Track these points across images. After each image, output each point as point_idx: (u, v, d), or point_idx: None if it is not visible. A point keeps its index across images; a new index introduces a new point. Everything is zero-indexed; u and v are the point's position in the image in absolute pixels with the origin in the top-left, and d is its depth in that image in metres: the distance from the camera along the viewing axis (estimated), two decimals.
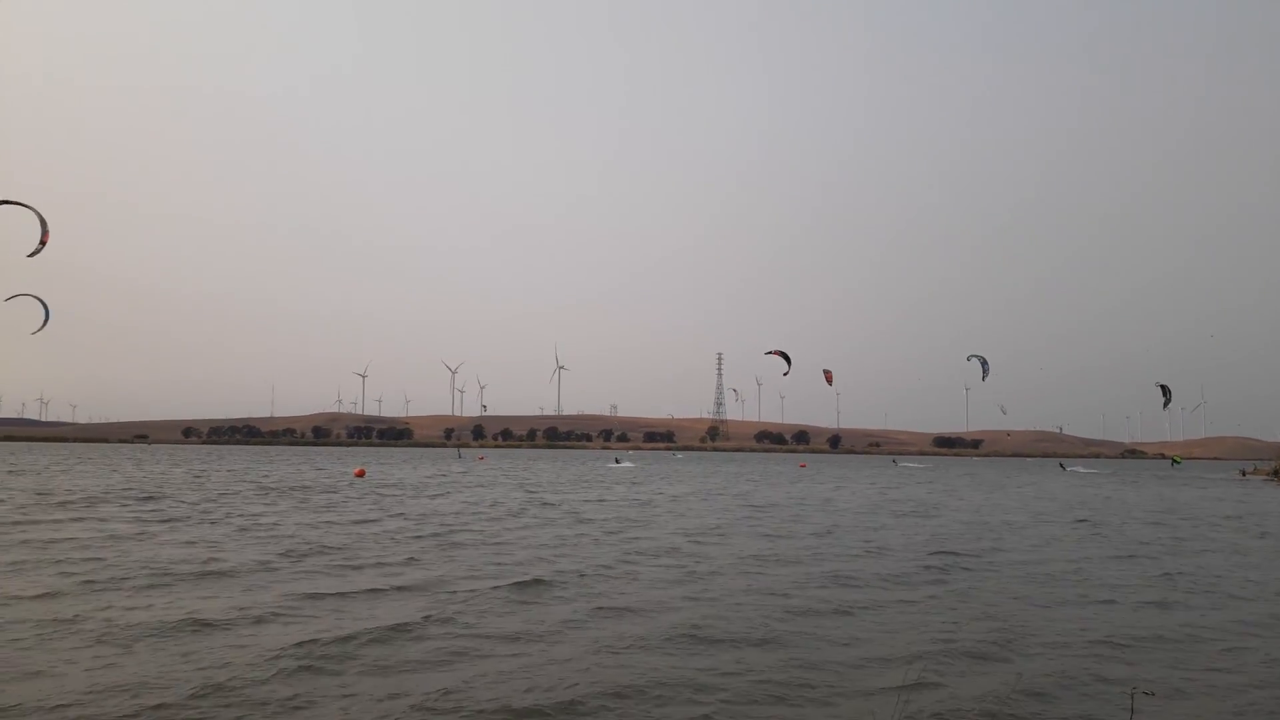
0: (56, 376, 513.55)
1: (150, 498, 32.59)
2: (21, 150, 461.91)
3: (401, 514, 26.37)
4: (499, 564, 15.79)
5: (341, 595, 12.28)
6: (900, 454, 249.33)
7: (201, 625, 10.07)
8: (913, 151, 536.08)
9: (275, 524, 22.56)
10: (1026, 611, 12.17)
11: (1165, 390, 54.14)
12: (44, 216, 28.80)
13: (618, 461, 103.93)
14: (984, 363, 52.80)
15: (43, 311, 35.06)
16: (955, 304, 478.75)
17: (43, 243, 29.50)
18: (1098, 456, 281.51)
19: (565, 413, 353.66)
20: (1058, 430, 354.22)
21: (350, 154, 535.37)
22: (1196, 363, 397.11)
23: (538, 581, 13.66)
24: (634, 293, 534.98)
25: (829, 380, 62.57)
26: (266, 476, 52.54)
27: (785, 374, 54.09)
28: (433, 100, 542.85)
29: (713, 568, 15.63)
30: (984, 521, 27.50)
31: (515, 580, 13.73)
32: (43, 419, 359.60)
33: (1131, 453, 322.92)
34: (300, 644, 9.18)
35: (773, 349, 53.08)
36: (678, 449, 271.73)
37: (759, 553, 17.82)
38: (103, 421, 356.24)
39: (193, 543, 18.28)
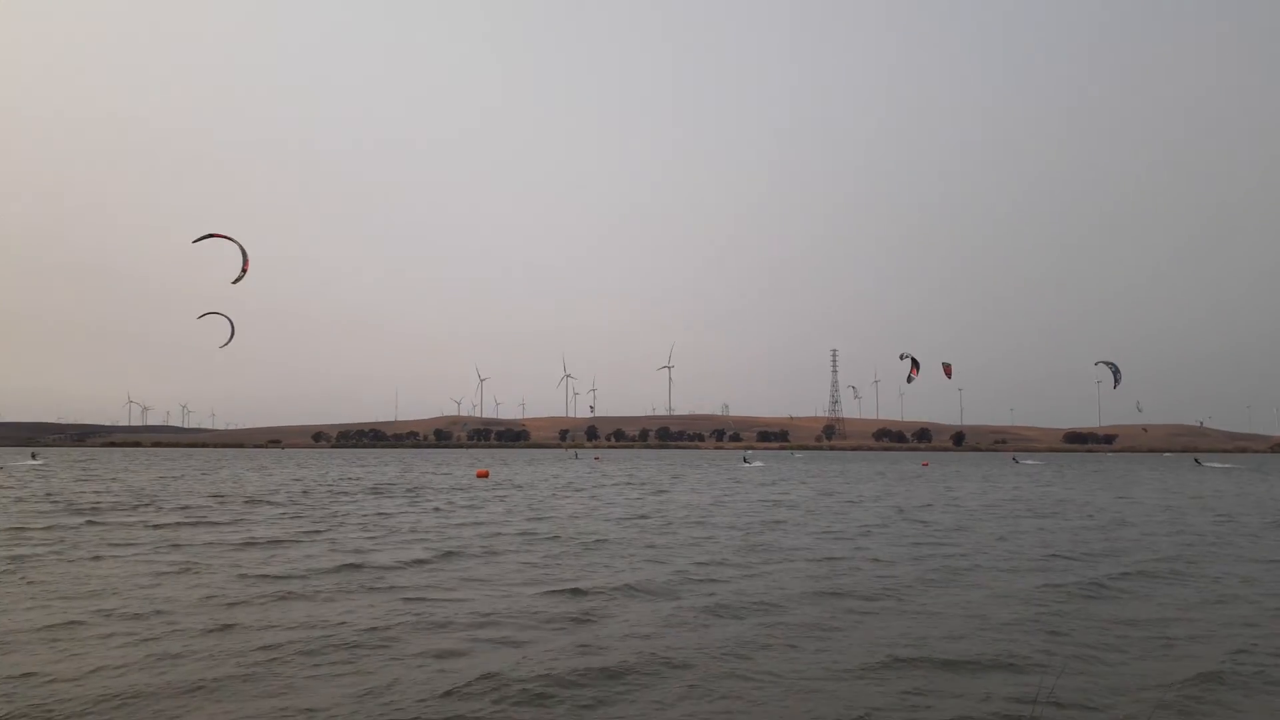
0: (198, 386, 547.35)
1: (412, 489, 33.40)
2: (204, 195, 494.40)
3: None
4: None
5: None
6: (1025, 451, 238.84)
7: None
8: (1026, 138, 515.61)
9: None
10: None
11: (1114, 371, 49.72)
12: (245, 249, 32.05)
13: (746, 461, 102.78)
14: (1115, 370, 48.78)
15: (229, 328, 37.79)
16: (1083, 292, 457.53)
17: (244, 270, 32.44)
18: (1243, 451, 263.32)
19: (677, 412, 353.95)
20: (1199, 424, 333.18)
21: (461, 173, 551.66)
22: None
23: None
24: (747, 291, 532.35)
25: (947, 374, 59.79)
26: (446, 475, 52.86)
27: (910, 381, 52.00)
28: (542, 114, 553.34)
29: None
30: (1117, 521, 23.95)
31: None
32: (186, 425, 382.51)
33: None
34: None
35: (907, 354, 51.18)
36: (794, 449, 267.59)
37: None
38: (239, 428, 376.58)
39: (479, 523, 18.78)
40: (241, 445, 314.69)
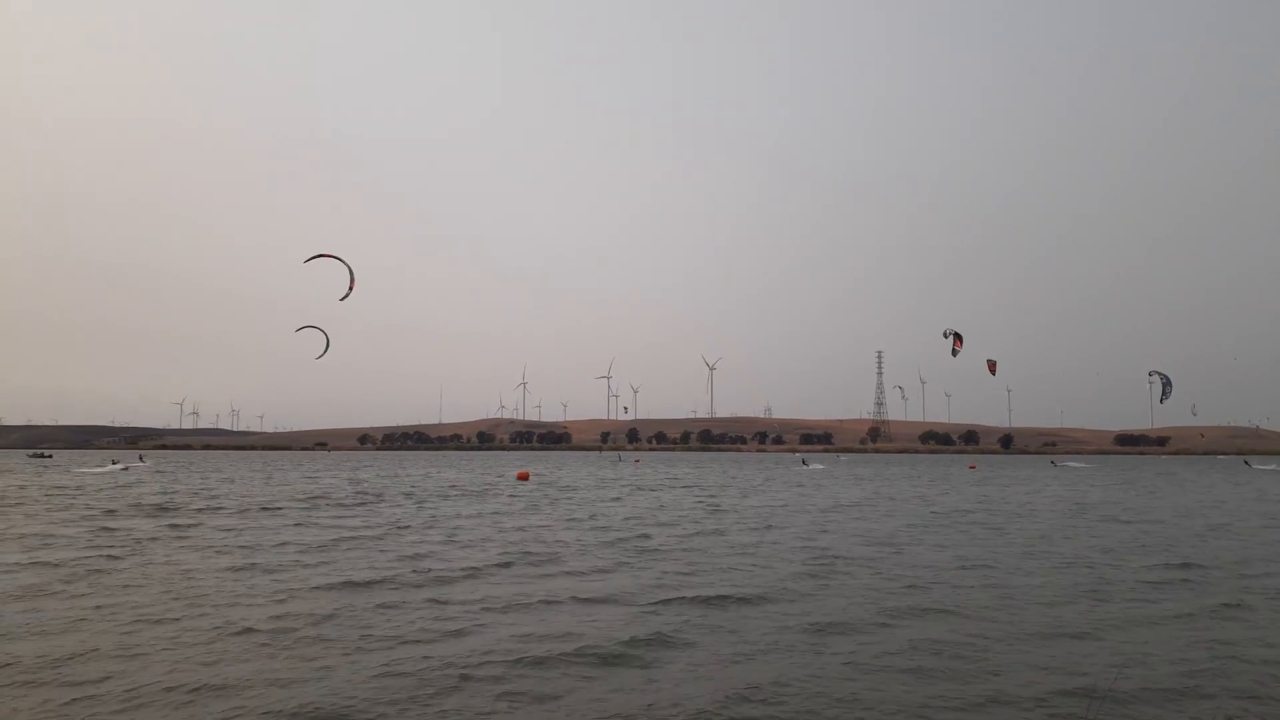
0: (247, 390, 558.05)
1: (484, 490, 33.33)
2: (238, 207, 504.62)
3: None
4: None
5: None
6: (1074, 454, 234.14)
7: None
8: (1081, 142, 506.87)
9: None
10: None
11: (1165, 382, 48.22)
12: (352, 268, 34.31)
13: (805, 463, 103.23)
14: (1166, 382, 47.41)
15: (325, 341, 39.71)
16: (1136, 293, 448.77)
17: (351, 288, 34.68)
18: None
19: (718, 415, 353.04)
20: (1255, 426, 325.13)
21: (499, 176, 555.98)
22: None
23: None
24: (789, 292, 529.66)
25: (992, 370, 58.47)
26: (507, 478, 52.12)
27: (955, 354, 50.81)
28: (578, 113, 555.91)
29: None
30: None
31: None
32: (234, 428, 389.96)
33: None
34: None
35: (950, 330, 50.12)
36: (839, 452, 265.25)
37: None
38: (286, 430, 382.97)
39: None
40: (289, 448, 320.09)
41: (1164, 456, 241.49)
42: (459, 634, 9.59)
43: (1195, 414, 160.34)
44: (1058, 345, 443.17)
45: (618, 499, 35.41)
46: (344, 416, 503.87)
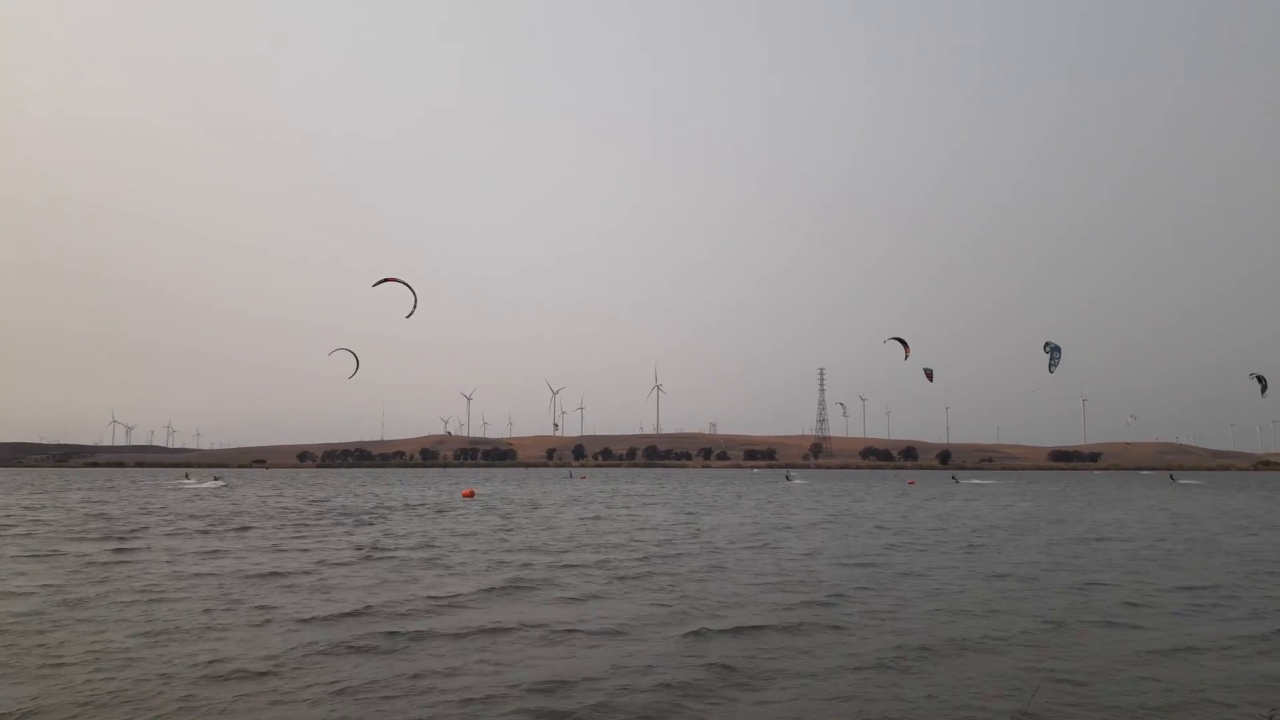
0: (183, 406, 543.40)
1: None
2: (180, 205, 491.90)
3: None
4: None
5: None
6: (1012, 470, 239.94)
7: None
8: (1011, 151, 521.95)
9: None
10: None
11: (1261, 380, 50.61)
12: (415, 290, 37.66)
13: (789, 479, 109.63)
14: (1054, 351, 47.75)
15: (354, 362, 44.19)
16: (1069, 311, 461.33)
17: (415, 306, 38.29)
18: (1226, 469, 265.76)
19: (664, 431, 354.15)
20: (1178, 442, 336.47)
21: (443, 187, 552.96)
22: None
23: None
24: (733, 309, 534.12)
25: (929, 378, 59.59)
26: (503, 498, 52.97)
27: (905, 359, 52.07)
28: (523, 125, 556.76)
29: None
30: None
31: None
32: (170, 445, 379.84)
33: (1265, 464, 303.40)
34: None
35: (891, 337, 51.44)
36: (795, 468, 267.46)
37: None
38: (224, 448, 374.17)
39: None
40: (226, 465, 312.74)
41: (1096, 472, 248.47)
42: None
43: (1135, 419, 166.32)
44: (995, 364, 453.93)
45: (596, 517, 36.12)
46: (283, 433, 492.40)
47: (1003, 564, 19.31)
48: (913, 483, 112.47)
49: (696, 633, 11.19)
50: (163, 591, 14.58)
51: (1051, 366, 48.29)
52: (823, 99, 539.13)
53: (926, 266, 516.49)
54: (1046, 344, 49.47)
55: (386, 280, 36.54)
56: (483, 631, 11.22)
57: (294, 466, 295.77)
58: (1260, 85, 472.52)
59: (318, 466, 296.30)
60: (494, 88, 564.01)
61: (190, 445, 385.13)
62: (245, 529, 28.40)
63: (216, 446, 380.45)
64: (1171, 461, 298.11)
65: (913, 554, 21.24)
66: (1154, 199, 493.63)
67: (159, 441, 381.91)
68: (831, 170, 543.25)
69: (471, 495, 56.94)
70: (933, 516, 37.24)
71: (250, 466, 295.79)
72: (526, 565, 18.53)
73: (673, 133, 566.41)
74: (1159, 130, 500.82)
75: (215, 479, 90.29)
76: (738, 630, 11.37)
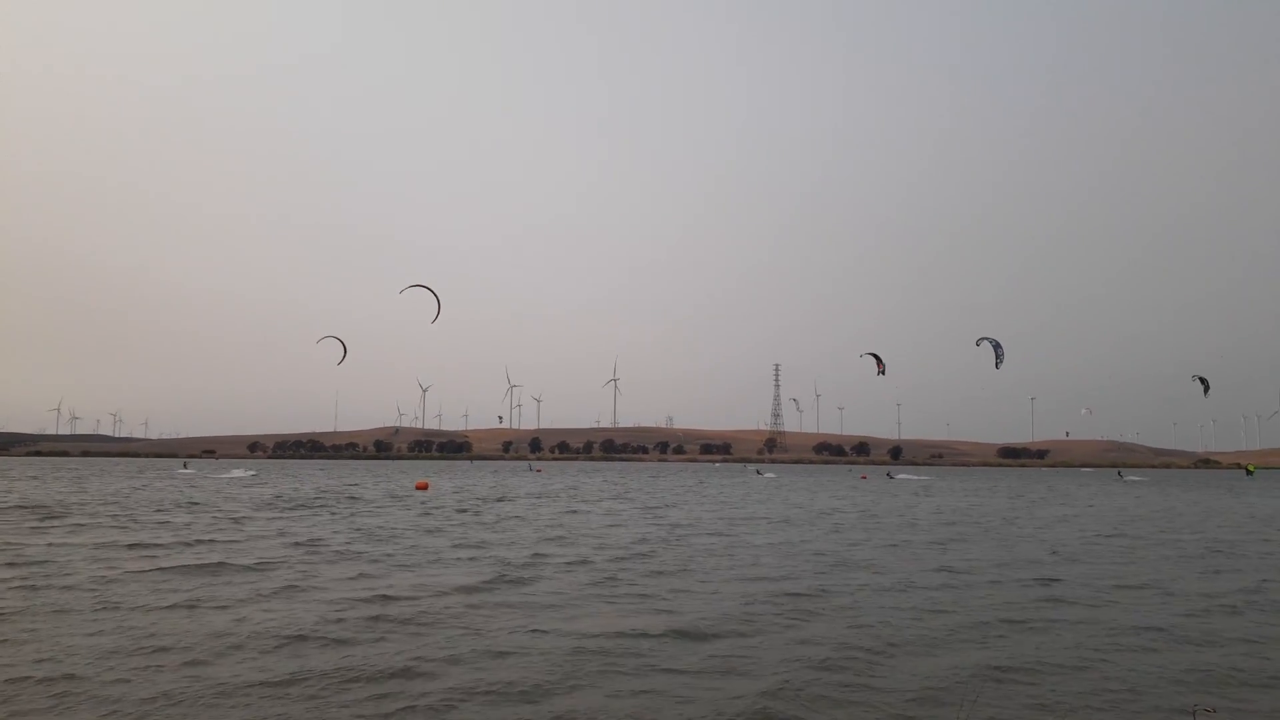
0: (129, 393, 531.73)
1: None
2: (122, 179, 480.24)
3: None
4: None
5: None
6: (962, 466, 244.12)
7: None
8: (960, 158, 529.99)
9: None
10: None
11: (1203, 381, 52.72)
12: (439, 296, 40.41)
13: (759, 473, 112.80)
14: (996, 346, 49.31)
15: (342, 349, 45.19)
16: (1016, 310, 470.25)
17: (438, 312, 41.22)
18: (1168, 467, 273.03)
19: (621, 425, 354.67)
20: (1122, 440, 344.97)
21: (401, 169, 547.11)
22: (1277, 369, 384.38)
23: None
24: (690, 305, 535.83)
25: (880, 369, 60.19)
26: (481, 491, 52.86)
27: (880, 373, 53.21)
28: (484, 118, 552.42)
29: None
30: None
31: None
32: (116, 435, 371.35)
33: (1205, 462, 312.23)
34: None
35: (866, 352, 52.52)
36: (751, 462, 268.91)
37: None
38: (172, 437, 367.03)
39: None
40: (175, 455, 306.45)
41: (1044, 469, 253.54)
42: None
43: (1091, 412, 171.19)
44: (944, 361, 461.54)
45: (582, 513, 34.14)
46: (232, 423, 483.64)
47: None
48: (864, 477, 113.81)
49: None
50: None
51: (998, 363, 49.58)
52: (788, 104, 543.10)
53: (892, 269, 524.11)
54: (984, 339, 50.59)
55: (414, 287, 38.85)
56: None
57: (244, 457, 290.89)
58: (1218, 99, 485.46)
59: (268, 457, 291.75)
60: (453, 76, 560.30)
61: (138, 435, 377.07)
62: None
63: (165, 436, 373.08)
64: (1116, 459, 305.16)
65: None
66: (1108, 210, 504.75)
67: (105, 430, 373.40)
68: (794, 170, 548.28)
69: (425, 487, 53.31)
70: (932, 511, 35.92)
71: (200, 456, 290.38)
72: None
73: (629, 129, 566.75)
74: (1123, 139, 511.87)
75: (245, 470, 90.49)
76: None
